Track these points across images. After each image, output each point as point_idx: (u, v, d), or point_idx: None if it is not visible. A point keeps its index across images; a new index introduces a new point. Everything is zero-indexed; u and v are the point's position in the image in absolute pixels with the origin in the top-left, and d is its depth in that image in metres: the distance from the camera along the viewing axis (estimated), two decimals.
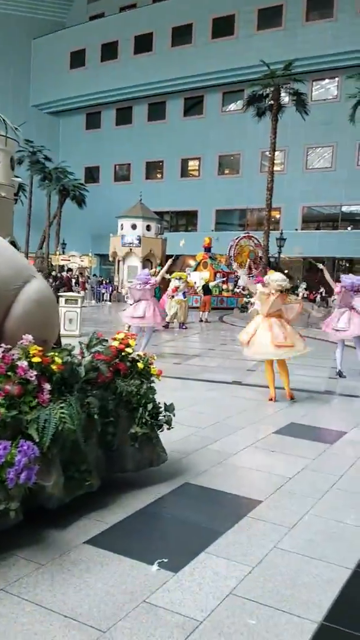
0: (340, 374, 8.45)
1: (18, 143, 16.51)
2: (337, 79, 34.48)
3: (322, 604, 2.48)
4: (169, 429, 3.77)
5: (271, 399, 6.56)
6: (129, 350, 3.72)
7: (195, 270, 26.00)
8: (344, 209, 35.50)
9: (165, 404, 3.80)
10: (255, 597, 2.50)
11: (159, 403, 3.76)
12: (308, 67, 32.53)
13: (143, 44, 40.22)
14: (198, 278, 23.66)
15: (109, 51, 41.86)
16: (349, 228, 35.55)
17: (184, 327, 15.71)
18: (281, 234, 29.29)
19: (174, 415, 3.81)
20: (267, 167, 30.22)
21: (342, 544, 3.05)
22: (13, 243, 15.62)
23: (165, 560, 2.76)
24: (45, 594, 2.46)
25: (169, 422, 3.79)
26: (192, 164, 40.91)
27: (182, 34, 38.62)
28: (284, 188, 33.62)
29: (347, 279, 8.48)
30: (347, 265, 37.06)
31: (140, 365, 3.75)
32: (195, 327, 16.92)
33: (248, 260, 27.12)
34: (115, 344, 3.70)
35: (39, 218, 39.68)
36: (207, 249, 27.46)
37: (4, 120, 14.19)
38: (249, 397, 6.88)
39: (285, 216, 35.79)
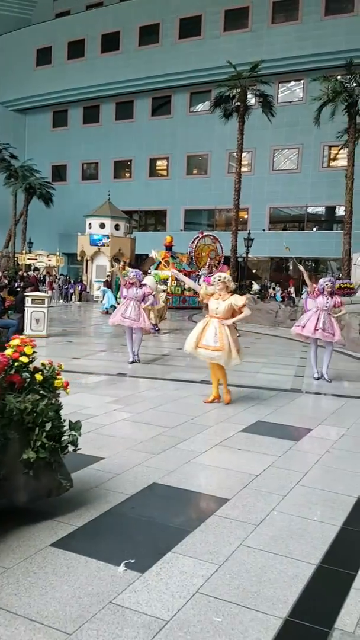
0: (320, 377, 8.15)
1: None
2: (302, 81, 34.96)
3: (287, 599, 2.52)
4: (75, 450, 3.33)
5: (214, 400, 6.41)
6: (24, 359, 3.17)
7: (156, 269, 25.71)
8: (310, 210, 36.05)
9: (70, 421, 3.31)
10: (222, 595, 2.53)
11: (63, 421, 3.25)
12: (274, 69, 32.89)
13: (110, 42, 39.99)
14: (151, 282, 23.58)
15: (76, 49, 41.45)
16: (314, 229, 36.12)
17: (156, 329, 15.57)
18: (249, 234, 29.54)
19: (79, 435, 3.31)
20: (235, 167, 30.45)
21: (307, 540, 3.10)
22: None
23: (132, 560, 2.77)
24: (10, 597, 2.44)
25: (74, 443, 3.28)
26: (161, 164, 40.90)
27: (149, 34, 38.55)
28: (252, 189, 33.94)
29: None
30: (313, 265, 37.65)
31: (38, 377, 3.20)
32: (164, 327, 16.92)
33: (209, 259, 27.06)
34: (9, 352, 3.16)
35: (5, 216, 39.04)
36: (169, 248, 26.93)
37: None
38: None
39: (253, 217, 36.12)
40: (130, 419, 5.60)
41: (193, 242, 27.78)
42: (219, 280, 6.30)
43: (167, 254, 26.26)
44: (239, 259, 30.55)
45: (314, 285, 8.49)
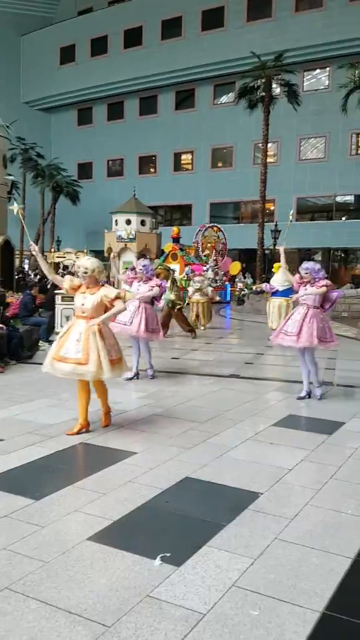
0: (306, 396, 6.40)
1: (10, 141, 16.41)
2: (328, 68, 34.33)
3: (324, 593, 2.51)
4: None
5: (80, 430, 4.84)
6: None
7: (164, 261, 24.90)
8: (338, 199, 35.46)
9: None
10: (258, 589, 2.53)
11: None
12: (299, 57, 32.39)
13: (133, 38, 39.96)
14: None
15: (99, 46, 41.58)
16: (343, 218, 35.54)
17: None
18: (276, 225, 29.25)
19: None
20: (260, 158, 30.16)
21: (342, 534, 3.08)
22: (7, 242, 15.59)
23: (168, 554, 2.79)
24: (49, 591, 2.49)
25: None
26: (185, 158, 40.77)
27: (171, 27, 38.38)
28: (278, 179, 33.56)
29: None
30: (342, 255, 37.10)
31: None
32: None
33: (214, 251, 26.41)
34: None
35: (33, 216, 39.46)
36: (176, 240, 25.65)
37: None
38: (247, 390, 6.91)
39: (280, 208, 35.74)
40: (161, 414, 5.63)
41: (196, 235, 27.09)
42: (85, 273, 4.77)
43: (176, 247, 25.52)
44: (266, 251, 30.27)
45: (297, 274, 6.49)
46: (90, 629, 2.23)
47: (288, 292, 10.41)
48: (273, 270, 11.92)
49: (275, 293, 11.60)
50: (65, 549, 2.86)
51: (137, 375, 7.30)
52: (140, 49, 39.62)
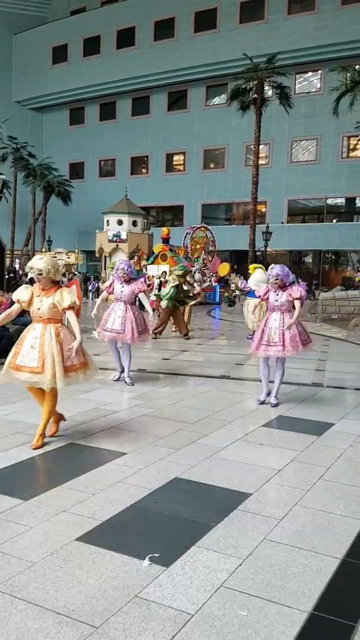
0: (264, 402, 6.18)
1: (1, 140, 16.33)
2: (320, 71, 34.52)
3: (312, 594, 2.52)
4: None
5: (54, 434, 4.73)
6: None
7: (152, 263, 24.79)
8: (329, 201, 35.67)
9: None
10: (246, 589, 2.54)
11: None
12: (291, 60, 32.55)
13: (125, 38, 39.94)
14: (155, 272, 21.71)
15: (91, 46, 41.50)
16: (334, 221, 35.75)
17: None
18: (267, 227, 29.35)
19: None
20: (252, 160, 30.25)
21: (331, 535, 3.09)
22: None
23: (157, 554, 2.79)
24: (37, 591, 2.48)
25: None
26: (177, 159, 40.81)
27: (164, 28, 38.41)
28: (269, 181, 33.71)
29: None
30: (333, 258, 37.28)
31: None
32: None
33: (203, 252, 26.32)
34: None
35: (24, 215, 39.38)
36: (166, 241, 25.41)
37: None
38: (238, 391, 6.93)
39: (271, 210, 35.88)
40: (151, 414, 5.63)
41: (184, 238, 26.93)
42: (39, 275, 4.36)
43: (165, 247, 25.41)
44: (258, 253, 30.36)
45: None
46: (78, 629, 2.22)
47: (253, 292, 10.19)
48: (249, 271, 11.75)
49: (249, 293, 11.42)
50: (54, 549, 2.85)
51: (122, 371, 7.14)
52: (132, 50, 39.62)
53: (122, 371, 7.19)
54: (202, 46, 36.34)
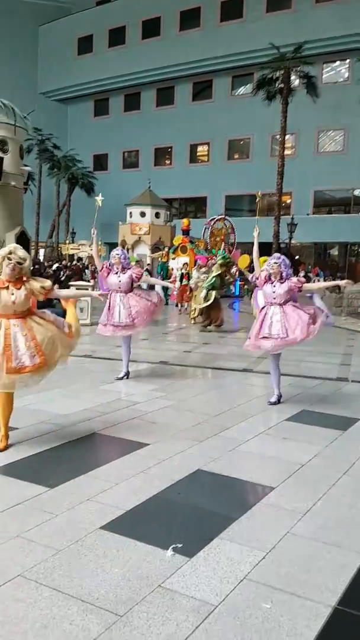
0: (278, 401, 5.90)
1: (27, 131, 16.39)
2: (347, 61, 33.86)
3: (336, 588, 2.50)
4: None
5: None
6: None
7: (174, 252, 24.48)
8: (357, 192, 35.08)
9: None
10: (270, 582, 2.53)
11: None
12: (318, 49, 31.96)
13: (151, 28, 39.74)
14: (175, 265, 21.68)
15: (117, 36, 41.40)
16: None
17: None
18: (292, 219, 29.01)
19: None
20: (278, 151, 29.91)
21: (355, 530, 3.07)
22: (23, 233, 15.66)
23: (180, 545, 2.80)
24: (62, 579, 2.51)
25: None
26: (201, 149, 40.56)
27: (190, 18, 38.07)
28: (295, 172, 33.23)
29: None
30: (359, 250, 36.73)
31: None
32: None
33: (223, 244, 26.04)
34: None
35: (48, 207, 39.64)
36: (186, 232, 24.90)
37: (12, 108, 14.11)
38: (260, 385, 6.89)
39: (296, 201, 35.45)
40: (173, 406, 5.64)
41: (203, 233, 26.69)
42: (20, 264, 4.11)
43: (185, 239, 25.20)
44: (282, 245, 30.08)
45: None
46: (102, 617, 2.24)
47: None
48: (260, 264, 11.67)
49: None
50: (79, 537, 2.88)
51: (127, 375, 6.89)
52: (158, 40, 39.38)
53: (127, 373, 6.93)
54: (228, 36, 35.93)
